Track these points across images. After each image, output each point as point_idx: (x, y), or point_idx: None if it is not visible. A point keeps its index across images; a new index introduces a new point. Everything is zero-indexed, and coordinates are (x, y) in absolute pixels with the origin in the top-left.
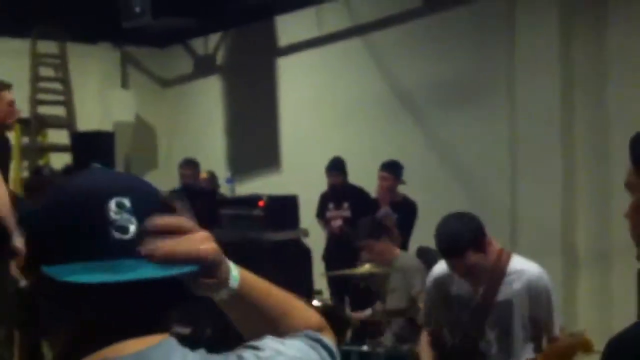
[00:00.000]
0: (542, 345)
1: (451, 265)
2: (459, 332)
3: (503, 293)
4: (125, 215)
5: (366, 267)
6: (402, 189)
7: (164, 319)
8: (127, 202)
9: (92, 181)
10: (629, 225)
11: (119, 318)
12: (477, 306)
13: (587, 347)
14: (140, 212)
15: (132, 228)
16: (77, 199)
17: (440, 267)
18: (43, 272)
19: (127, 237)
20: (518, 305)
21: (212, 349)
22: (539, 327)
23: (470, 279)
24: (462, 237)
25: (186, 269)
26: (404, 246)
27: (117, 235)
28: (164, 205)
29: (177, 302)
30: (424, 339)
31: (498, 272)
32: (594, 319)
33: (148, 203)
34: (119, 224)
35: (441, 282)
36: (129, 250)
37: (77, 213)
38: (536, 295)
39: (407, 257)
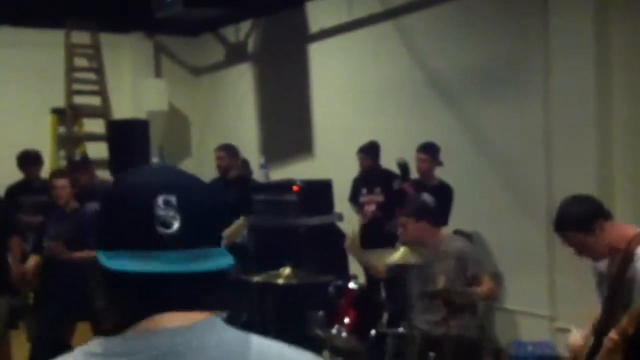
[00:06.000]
0: None
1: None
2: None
3: (630, 271)
4: (171, 212)
5: (401, 251)
6: (437, 172)
7: (205, 302)
8: (173, 199)
9: (144, 177)
10: None
11: (161, 302)
12: (611, 283)
13: None
14: (185, 208)
15: (176, 224)
16: (129, 194)
17: None
18: (97, 256)
19: (170, 231)
20: (638, 282)
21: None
22: None
23: (587, 256)
24: (564, 218)
25: (223, 264)
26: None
27: (161, 230)
28: (209, 200)
29: (216, 289)
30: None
31: (628, 253)
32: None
33: (193, 200)
34: (164, 220)
35: None
36: (172, 243)
37: (128, 207)
38: None
39: (456, 239)
